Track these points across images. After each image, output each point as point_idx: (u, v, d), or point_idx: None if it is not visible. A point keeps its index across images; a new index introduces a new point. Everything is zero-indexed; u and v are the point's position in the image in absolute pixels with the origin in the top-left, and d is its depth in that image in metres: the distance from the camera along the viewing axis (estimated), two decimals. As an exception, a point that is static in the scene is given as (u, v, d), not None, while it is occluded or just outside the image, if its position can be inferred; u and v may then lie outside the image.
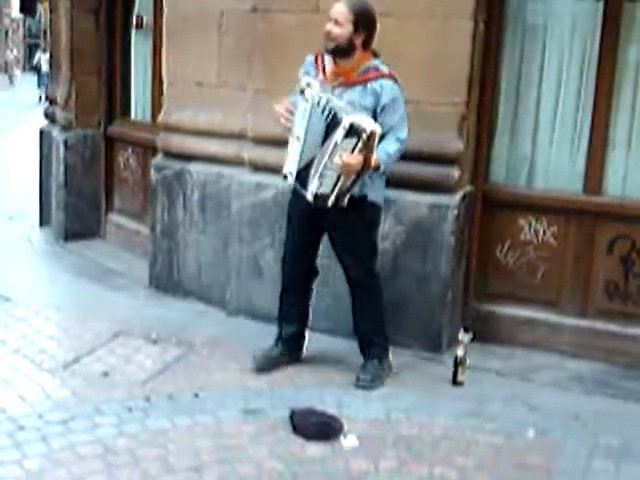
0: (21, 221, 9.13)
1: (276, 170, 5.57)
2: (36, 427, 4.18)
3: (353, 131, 4.33)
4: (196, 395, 4.63)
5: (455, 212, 5.23)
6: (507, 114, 5.59)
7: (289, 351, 5.11)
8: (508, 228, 5.57)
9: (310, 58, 4.77)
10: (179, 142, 6.25)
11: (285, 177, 4.73)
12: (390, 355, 5.05)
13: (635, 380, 5.15)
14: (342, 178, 4.46)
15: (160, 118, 6.51)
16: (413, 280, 5.33)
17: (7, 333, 5.47)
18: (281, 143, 5.45)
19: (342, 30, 4.48)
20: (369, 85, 4.56)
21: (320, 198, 4.54)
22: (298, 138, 4.56)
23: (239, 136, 5.86)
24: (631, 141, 5.36)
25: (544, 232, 5.49)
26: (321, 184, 4.51)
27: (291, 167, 4.65)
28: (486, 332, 5.50)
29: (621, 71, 5.29)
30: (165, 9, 6.34)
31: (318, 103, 4.45)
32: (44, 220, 8.75)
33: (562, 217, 5.46)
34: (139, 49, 7.87)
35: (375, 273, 4.93)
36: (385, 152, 4.52)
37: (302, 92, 4.51)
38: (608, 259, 5.40)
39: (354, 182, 4.52)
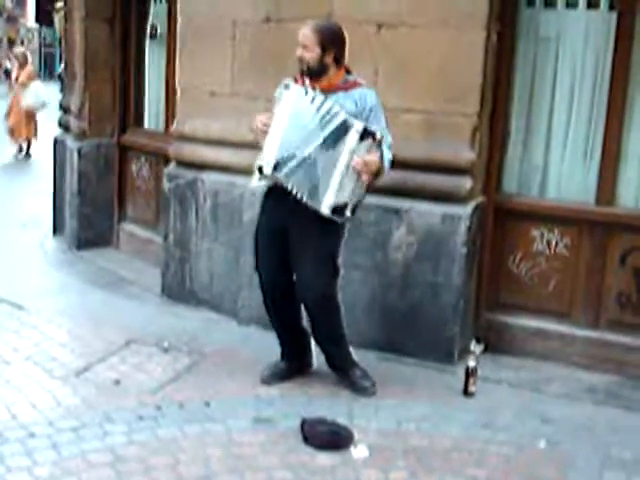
0: (34, 229, 9.16)
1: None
2: (47, 434, 4.19)
3: (366, 134, 4.41)
4: (207, 404, 4.64)
5: (467, 222, 5.22)
6: (519, 125, 5.58)
7: (296, 365, 5.09)
8: (520, 239, 5.56)
9: (289, 80, 4.73)
10: (192, 151, 6.26)
11: (260, 170, 4.58)
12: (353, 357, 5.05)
13: (647, 392, 5.14)
14: (359, 183, 4.48)
15: (173, 127, 6.53)
16: (425, 290, 5.32)
17: (19, 340, 5.49)
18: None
19: (311, 54, 4.58)
20: (349, 92, 4.62)
21: (338, 210, 4.51)
22: (278, 125, 4.55)
23: (252, 145, 5.85)
24: (644, 152, 5.36)
25: (556, 243, 5.48)
26: (339, 194, 4.48)
27: (269, 156, 4.56)
28: (498, 343, 5.50)
29: (634, 82, 5.28)
30: (179, 19, 6.36)
31: (306, 93, 4.51)
32: (57, 228, 8.78)
33: (574, 228, 5.45)
34: (153, 58, 7.90)
35: (332, 292, 4.82)
36: (387, 159, 4.56)
37: (286, 86, 4.59)
38: (620, 270, 5.38)
39: (365, 189, 4.57)
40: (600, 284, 5.44)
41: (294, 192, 4.53)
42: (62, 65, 14.17)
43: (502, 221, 5.57)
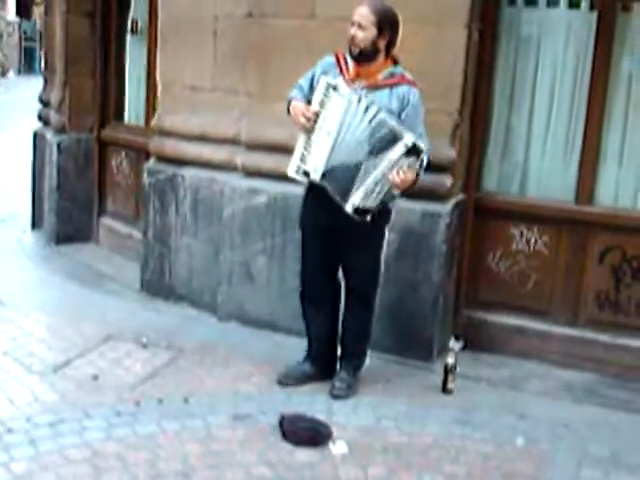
0: (13, 224, 9.11)
1: (269, 175, 5.59)
2: (24, 430, 4.17)
3: (413, 150, 4.33)
4: (185, 400, 4.62)
5: (447, 220, 5.23)
6: (500, 123, 5.59)
7: (319, 370, 5.00)
8: (500, 237, 5.57)
9: (330, 59, 4.66)
10: (172, 146, 6.24)
11: (306, 174, 4.57)
12: (364, 365, 5.04)
13: (624, 390, 5.16)
14: (389, 194, 4.45)
15: (153, 122, 6.50)
16: (405, 287, 5.32)
17: (-3, 335, 5.46)
18: (275, 148, 5.47)
19: (366, 33, 4.44)
20: (394, 90, 4.53)
21: (361, 211, 4.47)
22: (328, 133, 4.47)
23: (232, 141, 5.86)
24: (623, 152, 5.37)
25: (536, 241, 5.49)
26: (367, 198, 4.44)
27: (317, 163, 4.52)
28: (477, 340, 5.50)
29: (614, 81, 5.30)
30: (160, 13, 6.33)
31: (359, 100, 4.41)
32: (36, 223, 8.73)
33: (554, 226, 5.47)
34: (134, 53, 7.86)
35: (377, 289, 4.92)
36: (422, 170, 4.48)
37: (335, 88, 4.45)
38: (599, 269, 5.40)
39: (393, 198, 4.56)
40: (579, 282, 5.46)
41: (330, 193, 4.52)
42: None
43: (482, 219, 5.58)
